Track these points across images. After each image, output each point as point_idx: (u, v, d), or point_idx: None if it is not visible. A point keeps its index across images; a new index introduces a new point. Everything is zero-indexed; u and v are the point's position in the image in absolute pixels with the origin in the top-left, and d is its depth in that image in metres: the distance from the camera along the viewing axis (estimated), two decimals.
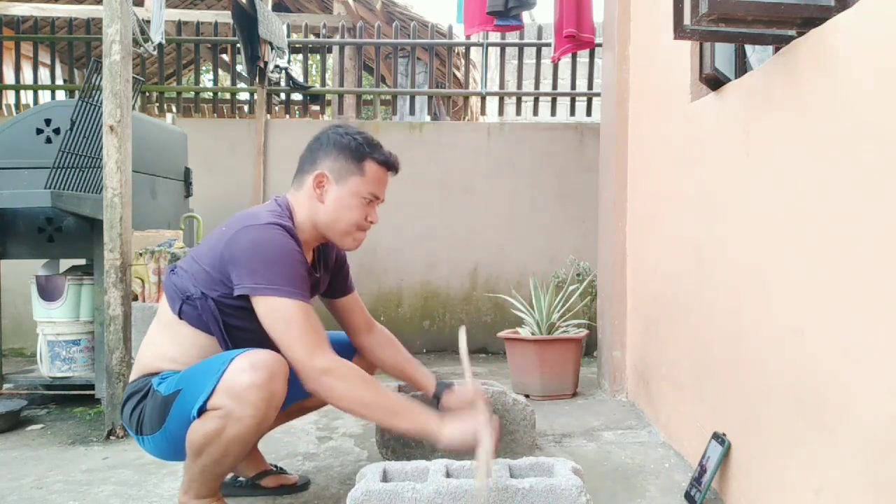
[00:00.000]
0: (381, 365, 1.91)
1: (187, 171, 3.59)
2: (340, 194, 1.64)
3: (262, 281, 1.49)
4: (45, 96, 4.94)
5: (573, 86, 4.94)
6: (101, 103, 2.41)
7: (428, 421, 1.52)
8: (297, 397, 1.85)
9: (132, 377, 1.66)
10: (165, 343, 1.61)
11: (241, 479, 1.86)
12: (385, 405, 1.52)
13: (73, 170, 2.66)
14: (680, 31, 1.44)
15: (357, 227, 1.67)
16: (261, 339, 1.58)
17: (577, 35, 3.35)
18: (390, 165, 1.70)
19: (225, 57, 6.97)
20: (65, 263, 3.00)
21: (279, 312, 1.49)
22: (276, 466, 1.90)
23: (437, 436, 1.50)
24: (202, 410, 1.44)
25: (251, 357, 1.45)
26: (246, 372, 1.42)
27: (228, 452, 1.47)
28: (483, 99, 5.31)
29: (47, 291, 2.73)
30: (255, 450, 1.85)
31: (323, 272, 1.81)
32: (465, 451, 1.49)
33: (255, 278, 1.49)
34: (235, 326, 1.58)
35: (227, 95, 5.59)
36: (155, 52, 3.65)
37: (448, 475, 1.43)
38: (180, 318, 1.58)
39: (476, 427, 1.48)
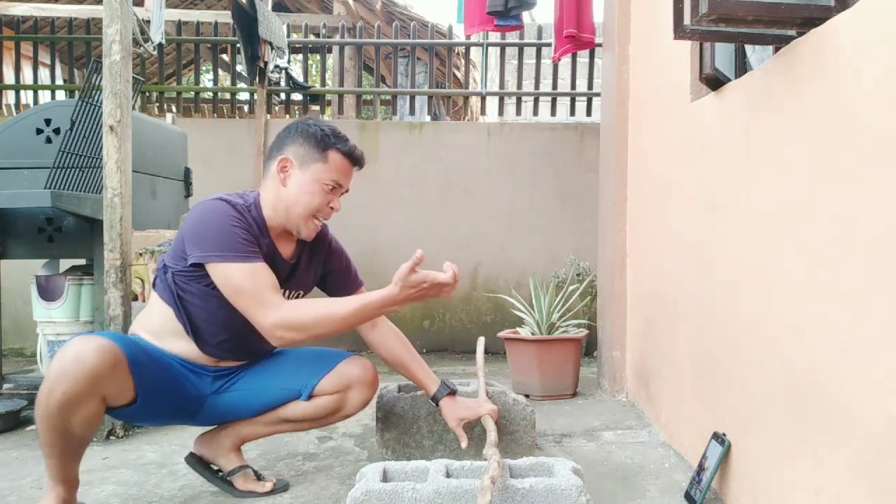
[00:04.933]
0: (385, 360, 1.93)
1: (187, 171, 3.58)
2: (303, 179, 1.71)
3: (207, 248, 1.60)
4: (45, 96, 4.93)
5: (573, 86, 4.94)
6: (101, 103, 2.40)
7: (384, 296, 1.58)
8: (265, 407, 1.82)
9: None
10: (146, 312, 1.78)
11: (220, 471, 1.84)
12: (337, 312, 1.60)
13: (73, 170, 2.65)
14: (680, 31, 1.44)
15: (315, 214, 1.73)
16: (211, 311, 1.68)
17: (577, 35, 3.35)
18: (355, 159, 1.76)
19: (225, 57, 6.98)
20: (65, 263, 3.00)
21: (230, 279, 1.59)
22: (254, 470, 1.85)
23: (396, 298, 1.58)
24: None
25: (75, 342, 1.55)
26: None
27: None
28: (483, 99, 5.31)
29: (47, 291, 2.73)
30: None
31: (306, 264, 1.83)
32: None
33: (203, 247, 1.61)
34: (189, 301, 1.69)
35: (227, 95, 5.59)
36: (155, 52, 3.65)
37: (448, 475, 1.43)
38: (153, 290, 1.76)
39: None
